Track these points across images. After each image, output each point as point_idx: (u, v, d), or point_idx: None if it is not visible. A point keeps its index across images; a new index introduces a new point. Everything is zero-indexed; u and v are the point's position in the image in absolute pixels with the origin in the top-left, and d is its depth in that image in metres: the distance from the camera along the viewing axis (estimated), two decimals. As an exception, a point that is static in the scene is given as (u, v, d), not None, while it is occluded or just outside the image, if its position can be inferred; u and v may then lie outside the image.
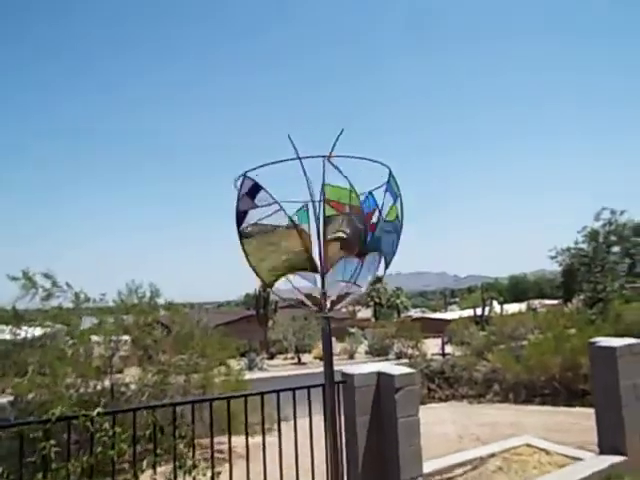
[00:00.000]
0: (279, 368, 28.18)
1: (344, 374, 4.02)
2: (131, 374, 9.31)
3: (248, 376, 22.92)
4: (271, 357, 35.28)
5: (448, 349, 27.32)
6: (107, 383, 8.54)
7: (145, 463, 3.10)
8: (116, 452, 2.99)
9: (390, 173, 2.74)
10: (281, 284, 2.69)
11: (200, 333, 10.32)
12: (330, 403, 2.56)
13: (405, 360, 21.73)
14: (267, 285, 2.48)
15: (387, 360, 28.82)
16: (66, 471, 2.88)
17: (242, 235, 2.56)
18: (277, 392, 3.91)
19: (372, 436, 3.81)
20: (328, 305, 2.70)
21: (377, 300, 60.34)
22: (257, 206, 2.45)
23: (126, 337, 9.47)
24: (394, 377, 3.80)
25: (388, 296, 61.36)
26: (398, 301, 61.29)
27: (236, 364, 27.84)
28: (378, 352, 32.19)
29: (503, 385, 12.45)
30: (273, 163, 2.31)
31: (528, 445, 5.58)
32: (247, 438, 3.63)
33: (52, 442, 2.86)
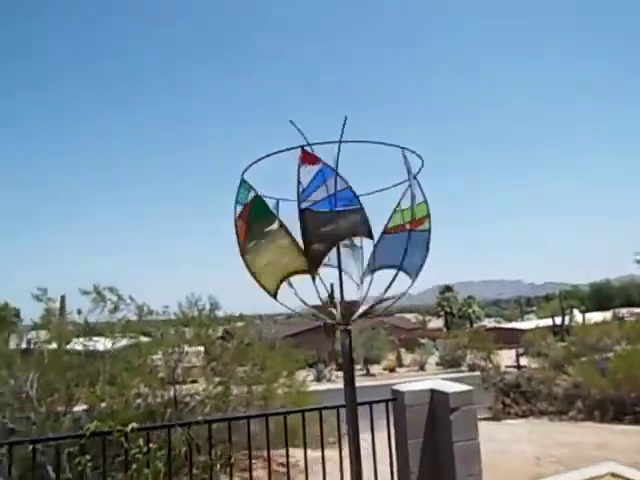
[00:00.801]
0: (346, 380, 27.79)
1: (394, 391, 3.72)
2: (195, 387, 9.43)
3: (316, 387, 22.89)
4: (340, 368, 35.00)
5: (523, 361, 25.61)
6: (172, 394, 8.73)
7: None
8: (151, 471, 2.89)
9: (421, 167, 2.39)
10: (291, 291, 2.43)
11: (260, 345, 10.31)
12: (352, 428, 2.28)
13: (477, 373, 20.59)
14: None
15: (459, 372, 27.56)
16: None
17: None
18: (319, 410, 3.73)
19: (426, 462, 3.46)
20: (354, 315, 2.39)
21: (448, 310, 58.25)
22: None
23: (190, 349, 9.67)
24: (448, 395, 3.43)
25: (459, 305, 59.02)
26: (470, 310, 58.73)
27: (305, 375, 27.91)
28: (450, 364, 30.90)
29: (587, 401, 11.34)
30: (279, 152, 2.03)
31: (613, 475, 4.90)
32: (305, 454, 3.41)
33: (87, 457, 2.81)
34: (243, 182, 2.17)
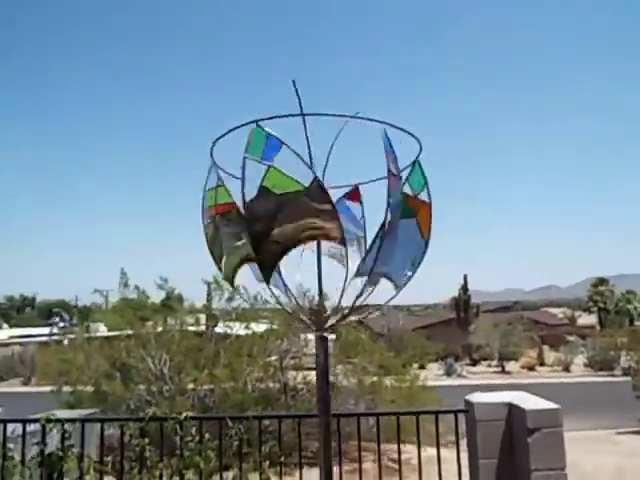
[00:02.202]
0: (479, 376, 26.29)
1: (467, 402, 3.32)
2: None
3: (443, 383, 22.07)
4: (474, 363, 33.24)
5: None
6: (283, 382, 9.11)
7: (231, 476, 3.03)
8: (202, 459, 2.99)
9: (419, 152, 1.98)
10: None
11: (367, 338, 10.18)
12: (323, 442, 2.03)
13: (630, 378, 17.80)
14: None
15: (612, 376, 24.22)
16: (159, 471, 2.99)
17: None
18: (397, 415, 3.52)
19: (497, 486, 3.03)
20: (330, 320, 2.09)
21: (602, 305, 51.42)
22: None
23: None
24: (526, 413, 2.95)
25: (616, 300, 51.67)
26: (630, 306, 51.05)
27: (436, 369, 27.08)
28: (600, 365, 27.29)
29: None
30: (270, 118, 1.76)
31: None
32: (419, 452, 3.24)
33: (146, 440, 3.00)
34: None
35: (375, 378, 9.38)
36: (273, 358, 9.13)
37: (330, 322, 1.97)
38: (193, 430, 3.06)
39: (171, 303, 10.70)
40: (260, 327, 9.97)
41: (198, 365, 9.07)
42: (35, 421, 3.01)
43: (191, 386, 8.93)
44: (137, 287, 10.35)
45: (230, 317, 9.64)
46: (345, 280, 1.98)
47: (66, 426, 3.05)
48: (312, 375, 9.41)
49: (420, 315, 52.05)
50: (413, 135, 1.86)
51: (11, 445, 3.04)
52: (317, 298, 2.00)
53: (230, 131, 1.87)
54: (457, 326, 36.97)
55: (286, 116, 1.85)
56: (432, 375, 24.80)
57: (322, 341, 1.94)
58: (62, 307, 42.02)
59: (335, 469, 3.14)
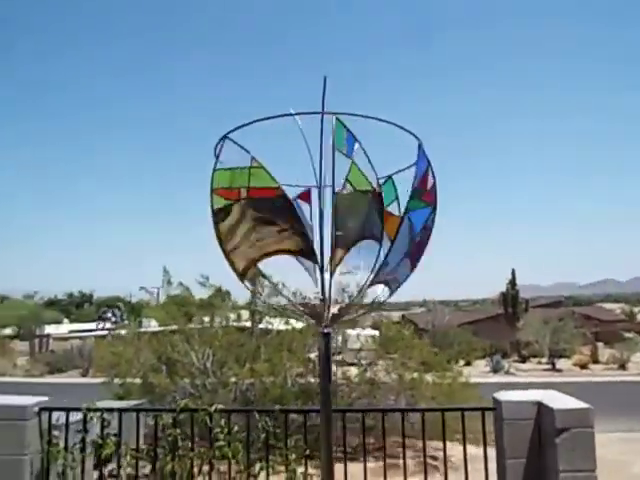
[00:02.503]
0: (527, 373, 25.45)
1: (495, 399, 3.27)
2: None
3: (490, 380, 21.53)
4: (523, 360, 32.20)
5: None
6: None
7: (258, 467, 3.13)
8: (231, 450, 3.10)
9: (420, 149, 1.94)
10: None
11: (409, 334, 10.07)
12: (325, 437, 2.05)
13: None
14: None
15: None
16: (190, 459, 3.14)
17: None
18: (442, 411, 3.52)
19: (525, 486, 2.98)
20: (329, 316, 2.08)
21: (665, 300, 48.32)
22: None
23: (363, 331, 9.99)
24: (554, 412, 2.88)
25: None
26: (698, 301, 47.76)
27: (483, 365, 26.46)
28: (661, 364, 25.77)
29: None
30: (264, 119, 1.77)
31: None
32: (444, 450, 3.26)
33: (178, 431, 3.15)
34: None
35: (415, 374, 9.31)
36: (313, 355, 9.23)
37: (332, 319, 1.99)
38: (222, 422, 3.18)
39: (213, 300, 11.01)
40: (299, 323, 10.08)
41: (240, 360, 9.30)
42: (77, 409, 3.22)
43: (233, 380, 9.16)
44: (181, 284, 10.72)
45: (273, 313, 9.82)
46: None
47: (105, 415, 3.24)
48: (352, 370, 9.45)
49: (467, 310, 50.95)
50: (415, 135, 1.86)
51: (56, 432, 3.26)
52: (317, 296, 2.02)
53: (255, 121, 1.85)
54: (505, 322, 35.90)
55: (302, 114, 1.85)
56: (478, 372, 24.24)
57: (324, 337, 1.97)
58: (115, 304, 44.05)
59: (372, 465, 3.22)
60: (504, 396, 3.22)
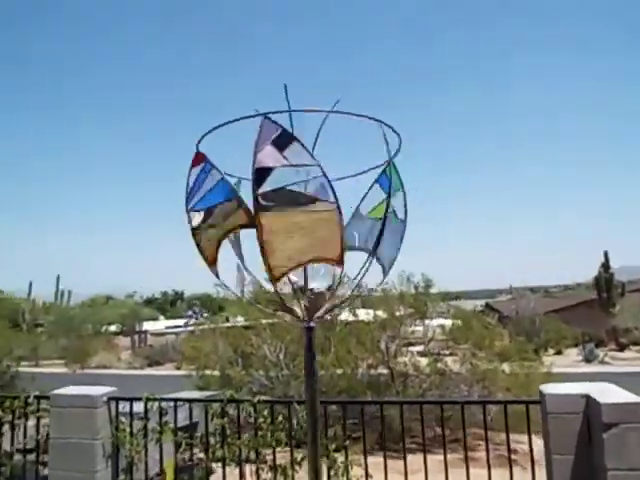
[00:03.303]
0: (625, 362, 23.44)
1: (540, 392, 3.14)
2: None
3: (582, 370, 20.14)
4: (621, 349, 29.65)
5: None
6: (389, 368, 9.20)
7: (300, 456, 3.27)
8: (273, 440, 3.27)
9: (399, 148, 1.89)
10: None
11: (478, 323, 9.74)
12: (311, 430, 2.07)
13: None
14: (275, 278, 1.87)
15: None
16: (238, 447, 3.35)
17: (259, 204, 1.70)
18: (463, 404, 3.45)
19: (572, 484, 2.84)
20: (320, 311, 2.07)
21: None
22: (289, 164, 1.67)
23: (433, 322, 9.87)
24: (601, 406, 2.71)
25: None
26: None
27: (575, 354, 24.82)
28: None
29: None
30: (253, 116, 1.66)
31: None
32: (509, 443, 3.24)
33: (225, 420, 3.38)
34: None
35: (489, 365, 9.03)
36: (382, 345, 9.26)
37: (319, 313, 2.04)
38: (265, 412, 3.35)
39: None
40: (363, 313, 10.13)
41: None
42: (138, 399, 3.56)
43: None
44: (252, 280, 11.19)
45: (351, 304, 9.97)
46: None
47: (164, 404, 3.55)
48: (422, 361, 9.34)
49: (556, 297, 47.68)
50: (393, 129, 1.84)
51: (123, 419, 3.63)
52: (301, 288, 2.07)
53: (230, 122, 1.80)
54: (599, 308, 33.18)
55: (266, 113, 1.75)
56: (569, 362, 22.74)
57: (307, 331, 2.02)
58: (204, 300, 46.76)
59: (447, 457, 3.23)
60: (550, 389, 3.07)
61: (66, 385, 3.81)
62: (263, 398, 3.43)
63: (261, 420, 3.33)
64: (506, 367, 9.35)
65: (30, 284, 39.49)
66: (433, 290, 9.46)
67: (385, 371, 9.37)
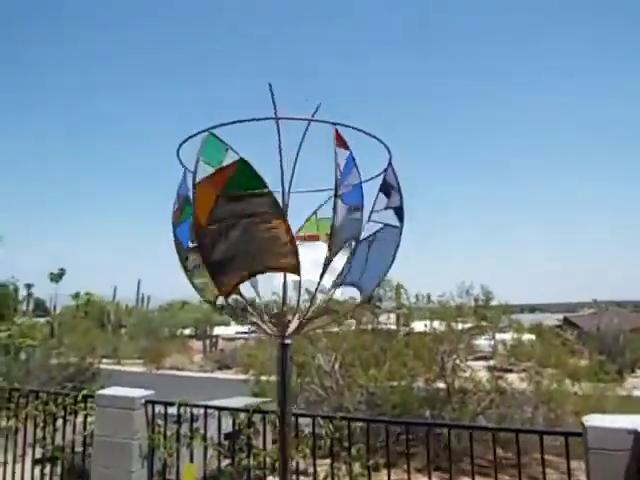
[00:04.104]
0: None
1: (582, 425, 2.86)
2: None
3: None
4: None
5: None
6: (447, 384, 8.82)
7: (322, 475, 3.22)
8: (298, 452, 3.25)
9: (390, 161, 1.77)
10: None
11: (544, 339, 9.08)
12: (281, 442, 1.97)
13: None
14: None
15: None
16: (263, 457, 3.37)
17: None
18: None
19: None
20: (292, 327, 1.96)
21: None
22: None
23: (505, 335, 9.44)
24: (648, 443, 2.41)
25: None
26: None
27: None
28: None
29: None
30: (240, 122, 1.65)
31: None
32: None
33: (251, 429, 3.41)
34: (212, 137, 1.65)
35: (557, 385, 8.39)
36: (439, 359, 8.93)
37: (292, 329, 1.98)
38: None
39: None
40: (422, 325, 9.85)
41: (368, 363, 9.42)
42: (171, 404, 3.69)
43: (361, 382, 9.31)
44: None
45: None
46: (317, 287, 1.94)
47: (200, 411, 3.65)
48: (481, 376, 8.88)
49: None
50: (382, 142, 1.77)
51: (160, 421, 3.77)
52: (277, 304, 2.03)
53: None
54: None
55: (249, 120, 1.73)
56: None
57: (283, 348, 1.97)
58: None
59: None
60: (593, 420, 2.77)
61: (141, 383, 4.01)
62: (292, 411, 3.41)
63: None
64: (578, 388, 8.65)
65: (114, 289, 42.66)
66: (494, 303, 8.98)
67: (443, 386, 9.03)
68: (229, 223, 1.61)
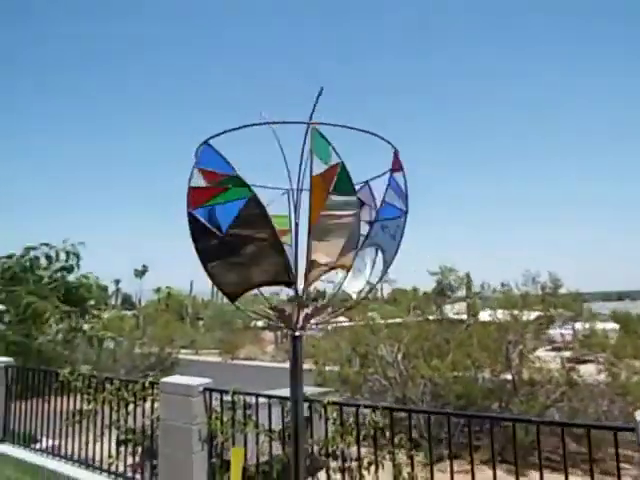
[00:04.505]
0: None
1: (635, 419, 2.74)
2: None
3: None
4: None
5: None
6: (512, 375, 8.51)
7: (366, 461, 3.30)
8: (341, 441, 3.37)
9: (396, 157, 1.73)
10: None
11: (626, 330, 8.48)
12: (294, 435, 2.01)
13: None
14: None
15: None
16: (310, 446, 3.51)
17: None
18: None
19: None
20: (300, 320, 2.00)
21: None
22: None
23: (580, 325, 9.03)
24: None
25: None
26: None
27: None
28: None
29: None
30: (237, 129, 1.73)
31: None
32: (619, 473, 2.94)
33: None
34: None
35: (635, 377, 7.83)
36: (504, 350, 8.63)
37: (304, 322, 2.05)
38: (335, 414, 3.45)
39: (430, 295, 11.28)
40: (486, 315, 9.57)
41: (431, 354, 9.34)
42: (226, 392, 3.93)
43: (424, 373, 9.25)
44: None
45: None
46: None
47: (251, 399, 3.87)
48: (552, 367, 8.48)
49: None
50: (389, 142, 1.79)
51: (218, 408, 4.04)
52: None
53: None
54: None
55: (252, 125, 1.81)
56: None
57: (294, 340, 2.05)
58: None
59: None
60: (644, 414, 2.63)
61: (216, 371, 4.32)
62: (333, 400, 3.52)
63: (330, 421, 3.44)
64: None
65: (191, 283, 44.99)
66: (562, 290, 8.52)
67: (510, 377, 8.73)
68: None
